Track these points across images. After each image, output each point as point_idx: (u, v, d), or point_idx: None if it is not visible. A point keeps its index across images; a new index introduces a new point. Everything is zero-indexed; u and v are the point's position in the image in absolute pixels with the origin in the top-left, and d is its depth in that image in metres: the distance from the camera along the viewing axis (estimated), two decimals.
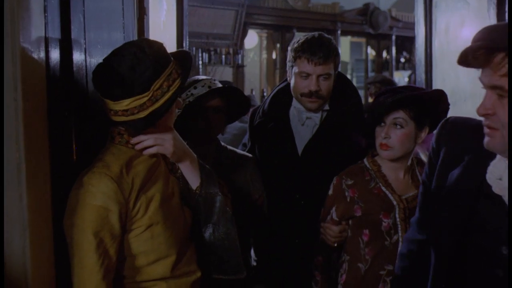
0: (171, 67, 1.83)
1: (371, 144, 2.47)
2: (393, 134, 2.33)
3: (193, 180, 2.02)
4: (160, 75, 1.79)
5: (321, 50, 2.52)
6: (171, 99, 1.81)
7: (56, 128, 1.77)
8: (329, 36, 2.67)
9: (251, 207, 2.56)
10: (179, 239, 1.93)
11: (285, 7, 8.44)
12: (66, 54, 1.85)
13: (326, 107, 2.67)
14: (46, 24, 1.73)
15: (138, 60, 1.76)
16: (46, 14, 1.73)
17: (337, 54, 2.60)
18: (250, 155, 2.65)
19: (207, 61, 7.76)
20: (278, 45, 8.76)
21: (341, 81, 2.72)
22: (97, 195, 1.73)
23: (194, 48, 7.51)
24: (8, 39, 1.55)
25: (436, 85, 3.54)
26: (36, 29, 1.67)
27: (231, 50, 7.97)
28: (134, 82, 1.76)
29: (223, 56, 7.96)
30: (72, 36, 1.86)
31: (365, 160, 2.50)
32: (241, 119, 5.21)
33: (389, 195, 2.41)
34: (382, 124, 2.36)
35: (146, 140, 1.87)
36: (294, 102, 2.69)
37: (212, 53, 7.85)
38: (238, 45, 7.93)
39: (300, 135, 2.67)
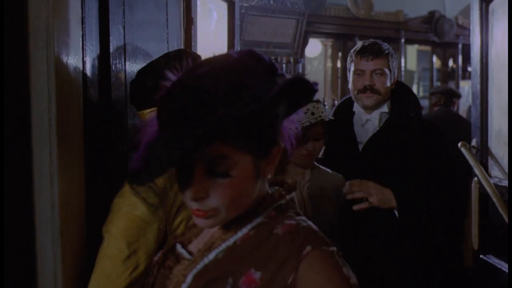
0: None
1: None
2: (212, 190, 1.19)
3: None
4: None
5: (372, 47, 2.71)
6: None
7: (92, 138, 1.79)
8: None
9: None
10: None
11: (347, 16, 8.35)
12: (104, 65, 1.87)
13: (385, 108, 2.77)
14: (83, 35, 1.76)
15: (161, 70, 1.77)
16: (83, 26, 1.75)
17: (389, 54, 2.72)
18: (340, 175, 2.64)
19: None
20: (340, 54, 8.68)
21: (400, 88, 2.83)
22: (138, 205, 1.71)
23: None
24: (44, 49, 1.58)
25: (492, 96, 3.40)
26: (73, 40, 1.70)
27: (291, 59, 7.94)
28: (155, 91, 1.77)
29: (284, 65, 7.94)
30: (111, 48, 1.88)
31: None
32: None
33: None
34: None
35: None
36: (355, 106, 2.83)
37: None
38: (299, 54, 7.90)
39: (361, 136, 2.79)
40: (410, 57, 10.56)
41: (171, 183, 1.80)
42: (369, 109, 2.75)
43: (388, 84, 2.71)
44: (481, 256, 3.56)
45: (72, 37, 1.69)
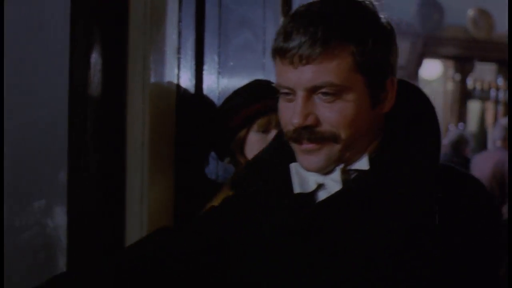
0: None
1: None
2: None
3: None
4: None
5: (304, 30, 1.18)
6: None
7: (183, 164, 1.89)
8: None
9: None
10: None
11: (466, 38, 8.10)
12: (198, 93, 1.97)
13: (363, 164, 1.43)
14: (179, 65, 1.86)
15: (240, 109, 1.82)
16: (179, 56, 1.86)
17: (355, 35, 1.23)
18: None
19: None
20: (456, 77, 8.43)
21: (406, 106, 1.02)
22: None
23: None
24: (140, 78, 1.70)
25: None
26: (168, 70, 1.81)
27: None
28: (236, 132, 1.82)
29: None
30: (204, 76, 1.98)
31: None
32: None
33: None
34: None
35: None
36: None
37: None
38: (413, 76, 7.76)
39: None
40: None
41: None
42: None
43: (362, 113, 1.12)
44: None
45: (167, 67, 1.80)
